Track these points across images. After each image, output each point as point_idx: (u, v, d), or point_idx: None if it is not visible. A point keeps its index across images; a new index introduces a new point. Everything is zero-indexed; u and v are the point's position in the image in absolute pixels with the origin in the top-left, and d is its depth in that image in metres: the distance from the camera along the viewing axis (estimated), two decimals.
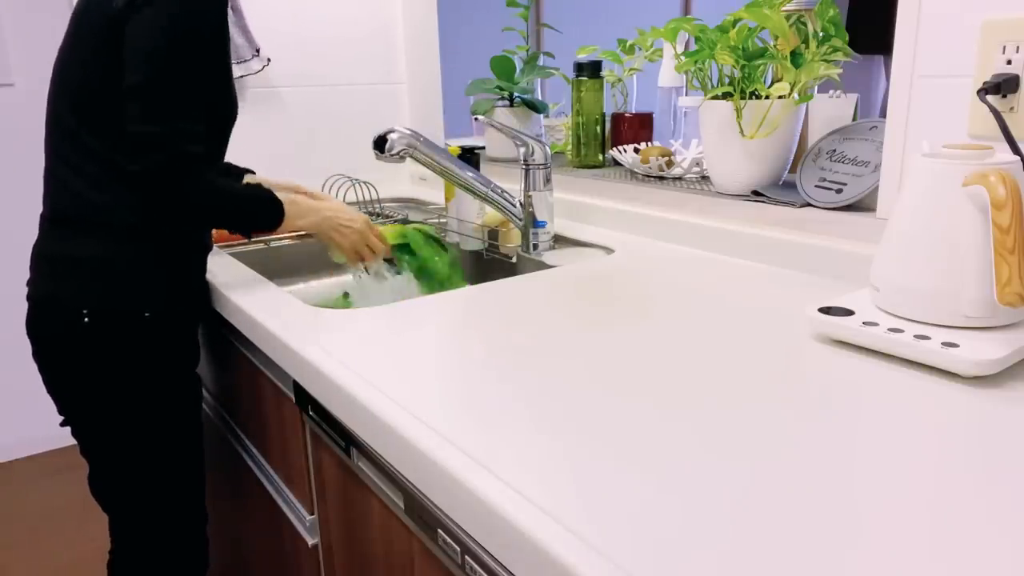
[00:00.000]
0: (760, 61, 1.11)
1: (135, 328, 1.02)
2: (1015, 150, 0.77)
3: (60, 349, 1.02)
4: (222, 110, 1.07)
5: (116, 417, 1.05)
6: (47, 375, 1.06)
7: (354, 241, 1.15)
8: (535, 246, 1.25)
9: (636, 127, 1.58)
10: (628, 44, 1.56)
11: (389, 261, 1.25)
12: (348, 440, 0.76)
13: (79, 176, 1.01)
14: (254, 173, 1.29)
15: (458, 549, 0.58)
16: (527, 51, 1.68)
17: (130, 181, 0.97)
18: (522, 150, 1.22)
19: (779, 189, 1.15)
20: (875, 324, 0.72)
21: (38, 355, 1.05)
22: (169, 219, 1.03)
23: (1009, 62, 0.81)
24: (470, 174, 1.21)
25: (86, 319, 1.00)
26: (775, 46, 1.11)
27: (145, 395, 1.05)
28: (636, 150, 1.52)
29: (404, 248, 1.26)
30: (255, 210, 1.05)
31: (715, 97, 1.15)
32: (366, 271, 1.21)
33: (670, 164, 1.38)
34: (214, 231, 1.19)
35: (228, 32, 1.02)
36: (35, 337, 1.05)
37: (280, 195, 1.08)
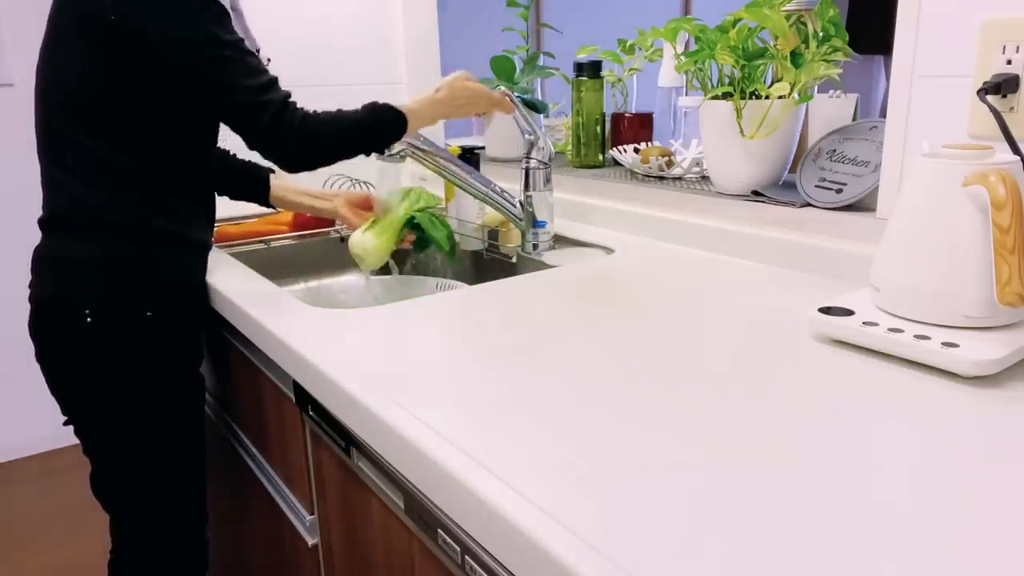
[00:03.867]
0: (760, 61, 1.11)
1: (137, 328, 1.02)
2: (1015, 150, 0.77)
3: (63, 349, 1.02)
4: None
5: (119, 417, 1.05)
6: (50, 375, 1.06)
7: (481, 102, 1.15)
8: (535, 246, 1.25)
9: (636, 127, 1.58)
10: (628, 44, 1.56)
11: (412, 244, 1.23)
12: (348, 440, 0.76)
13: (75, 177, 1.00)
14: (275, 172, 1.29)
15: (458, 549, 0.58)
16: (527, 51, 1.68)
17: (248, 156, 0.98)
18: (529, 138, 1.22)
19: (779, 189, 1.15)
20: (875, 324, 0.72)
21: (41, 356, 1.06)
22: (309, 166, 1.02)
23: (1009, 62, 0.81)
24: (470, 174, 1.21)
25: (88, 319, 1.00)
26: (775, 46, 1.11)
27: (148, 395, 1.05)
28: (636, 150, 1.52)
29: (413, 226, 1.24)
30: (381, 117, 1.05)
31: (715, 97, 1.15)
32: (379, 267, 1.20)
33: (670, 164, 1.38)
34: (216, 230, 1.19)
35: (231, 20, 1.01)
36: (38, 338, 1.05)
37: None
